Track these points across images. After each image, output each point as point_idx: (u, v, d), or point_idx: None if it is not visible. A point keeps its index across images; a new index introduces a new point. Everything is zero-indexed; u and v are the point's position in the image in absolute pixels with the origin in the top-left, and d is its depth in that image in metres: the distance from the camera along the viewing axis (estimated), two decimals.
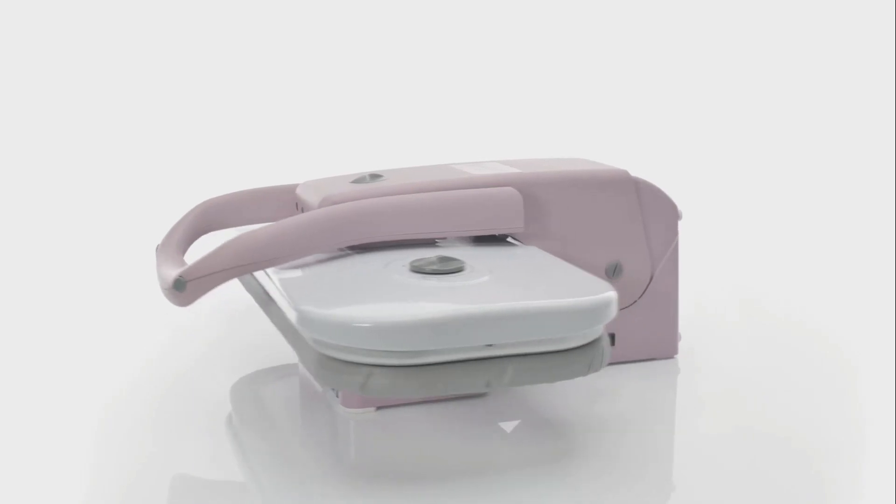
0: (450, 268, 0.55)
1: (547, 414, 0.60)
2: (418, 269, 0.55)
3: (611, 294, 0.53)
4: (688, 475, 0.53)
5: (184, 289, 0.55)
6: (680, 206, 0.67)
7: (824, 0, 1.28)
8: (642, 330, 0.67)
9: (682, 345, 0.68)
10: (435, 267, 0.55)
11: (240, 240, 0.57)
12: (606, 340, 0.54)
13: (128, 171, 1.25)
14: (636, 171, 0.67)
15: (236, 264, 0.56)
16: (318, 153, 1.21)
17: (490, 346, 0.50)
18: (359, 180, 0.64)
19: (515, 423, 0.59)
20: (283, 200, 0.69)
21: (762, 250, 0.99)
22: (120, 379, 0.66)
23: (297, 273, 0.57)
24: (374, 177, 0.64)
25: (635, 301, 0.66)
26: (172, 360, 0.69)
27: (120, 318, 0.80)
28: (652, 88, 1.30)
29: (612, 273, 0.65)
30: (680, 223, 0.67)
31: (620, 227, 0.65)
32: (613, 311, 0.53)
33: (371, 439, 0.57)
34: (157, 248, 0.64)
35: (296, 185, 0.68)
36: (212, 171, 1.19)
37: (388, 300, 0.52)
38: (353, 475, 0.53)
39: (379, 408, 0.60)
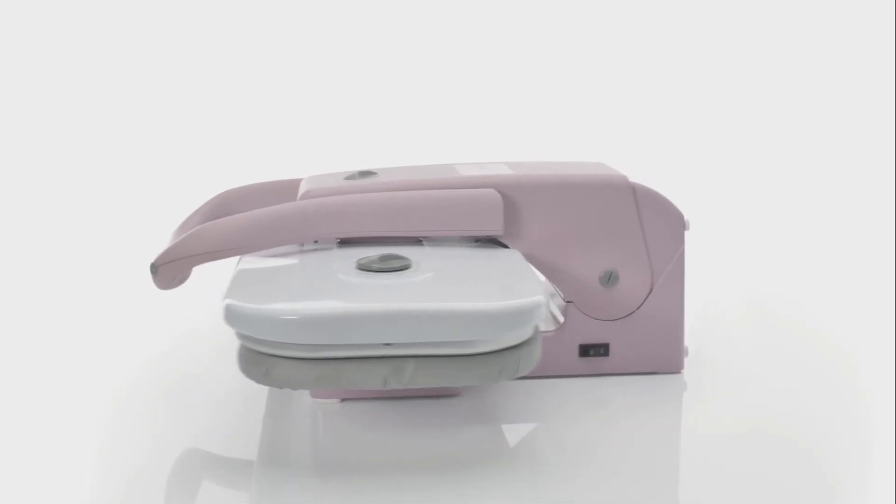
0: (393, 266, 0.56)
1: (517, 416, 0.59)
2: (364, 267, 0.56)
3: (529, 302, 0.52)
4: (692, 480, 0.53)
5: (156, 272, 0.58)
6: (687, 216, 0.65)
7: (826, 1, 1.26)
8: (642, 342, 0.64)
9: (690, 350, 0.66)
10: (379, 265, 0.56)
11: (206, 228, 0.59)
12: (533, 348, 0.53)
13: (134, 171, 1.26)
14: (650, 176, 0.65)
15: (203, 251, 0.59)
16: (345, 150, 1.21)
17: (389, 344, 0.50)
18: (350, 177, 0.65)
19: (481, 424, 0.59)
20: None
21: (770, 255, 0.98)
22: (120, 378, 0.67)
23: (258, 265, 0.58)
24: (365, 174, 0.65)
25: (633, 312, 0.64)
26: (172, 359, 0.70)
27: (120, 317, 0.80)
28: (665, 93, 1.30)
29: (607, 281, 0.63)
30: (687, 233, 0.65)
31: (616, 234, 0.63)
32: (528, 321, 0.52)
33: (330, 429, 0.58)
34: (172, 235, 0.67)
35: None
36: (230, 169, 1.16)
37: (309, 296, 0.53)
38: (309, 461, 0.54)
39: (343, 400, 0.61)
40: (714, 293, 0.84)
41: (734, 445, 0.56)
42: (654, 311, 0.64)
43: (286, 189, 0.70)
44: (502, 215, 0.61)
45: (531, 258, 0.63)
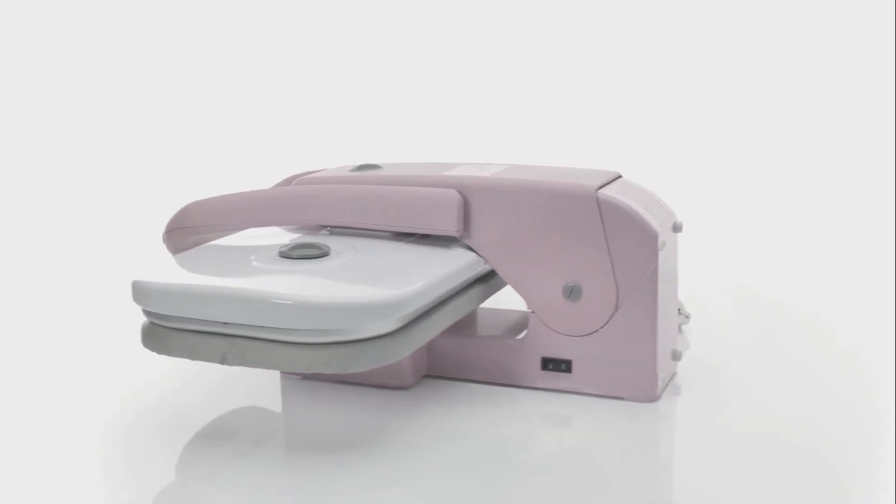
0: (308, 254, 0.58)
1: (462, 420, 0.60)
2: (283, 254, 0.59)
3: (363, 302, 0.52)
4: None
5: (164, 240, 0.66)
6: (680, 217, 0.60)
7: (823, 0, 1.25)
8: (608, 364, 0.61)
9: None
10: (295, 252, 0.58)
11: (192, 205, 0.65)
12: (375, 345, 0.53)
13: (142, 170, 1.25)
14: (653, 173, 0.63)
15: (190, 225, 0.65)
16: (386, 147, 1.20)
17: (226, 324, 0.53)
18: (355, 168, 0.67)
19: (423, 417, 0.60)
20: None
21: (769, 254, 0.97)
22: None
23: (218, 243, 0.63)
24: (368, 167, 0.67)
25: (597, 330, 0.60)
26: None
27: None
28: (672, 95, 1.29)
29: (570, 294, 0.60)
30: (680, 235, 0.60)
31: (579, 246, 0.60)
32: (357, 319, 0.52)
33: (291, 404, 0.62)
34: None
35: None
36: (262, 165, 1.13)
37: (194, 275, 0.57)
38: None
39: (303, 377, 0.64)
40: (714, 293, 0.83)
41: (732, 444, 0.56)
42: (621, 333, 0.60)
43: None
44: (457, 216, 0.61)
45: (495, 263, 0.62)
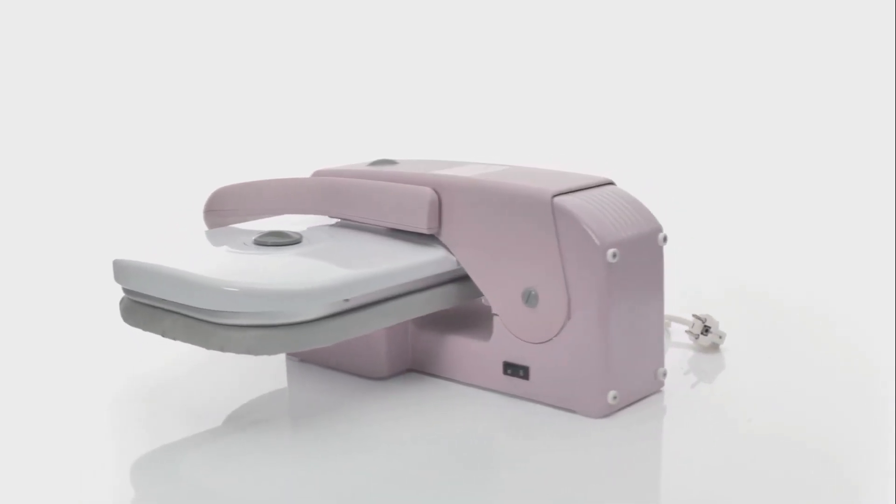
0: (280, 241, 0.61)
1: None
2: (258, 241, 0.62)
3: (254, 287, 0.55)
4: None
5: (204, 219, 0.71)
6: (666, 230, 0.59)
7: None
8: (561, 375, 0.59)
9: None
10: (268, 240, 0.61)
11: (220, 191, 0.70)
12: (271, 332, 0.55)
13: (149, 169, 1.25)
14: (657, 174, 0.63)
15: (221, 207, 0.69)
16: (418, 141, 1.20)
17: (163, 300, 0.58)
18: (369, 164, 0.69)
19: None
20: None
21: (764, 251, 0.97)
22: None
23: (231, 227, 0.67)
24: (378, 162, 0.69)
25: (551, 339, 0.59)
26: None
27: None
28: (677, 96, 1.30)
29: (527, 300, 0.59)
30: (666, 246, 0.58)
31: (536, 252, 0.59)
32: (245, 304, 0.55)
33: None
34: None
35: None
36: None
37: (171, 255, 0.61)
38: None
39: (301, 360, 0.67)
40: (714, 292, 0.82)
41: (723, 446, 0.56)
42: (573, 344, 0.58)
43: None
44: (427, 214, 0.61)
45: (464, 263, 0.62)
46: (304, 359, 0.67)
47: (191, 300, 0.56)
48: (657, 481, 0.53)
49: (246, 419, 0.60)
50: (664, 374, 0.61)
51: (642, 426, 0.58)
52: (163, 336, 0.58)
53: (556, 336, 0.59)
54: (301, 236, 0.62)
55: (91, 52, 1.34)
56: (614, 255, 0.57)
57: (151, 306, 0.59)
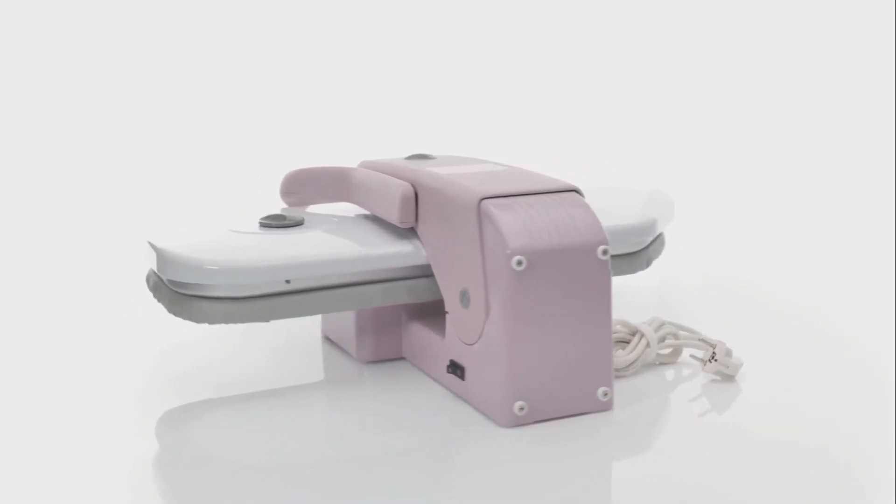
0: (282, 223, 0.66)
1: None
2: (262, 223, 0.67)
3: (209, 265, 0.60)
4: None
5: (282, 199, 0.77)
6: (607, 245, 0.58)
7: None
8: (481, 378, 0.59)
9: None
10: (270, 222, 0.66)
11: (290, 172, 0.75)
12: (215, 303, 0.60)
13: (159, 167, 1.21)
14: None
15: (287, 191, 0.75)
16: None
17: (157, 273, 0.64)
18: (407, 157, 0.71)
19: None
20: None
21: (765, 248, 0.97)
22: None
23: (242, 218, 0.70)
24: (414, 157, 0.70)
25: (475, 342, 0.58)
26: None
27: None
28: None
29: (462, 300, 0.59)
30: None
31: (467, 254, 0.59)
32: (195, 276, 0.60)
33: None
34: None
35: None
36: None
37: (183, 235, 0.65)
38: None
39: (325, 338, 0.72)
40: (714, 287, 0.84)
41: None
42: (489, 349, 0.57)
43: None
44: (399, 208, 0.63)
45: (429, 257, 0.63)
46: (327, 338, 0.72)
47: (164, 273, 0.62)
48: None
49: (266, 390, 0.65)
50: (605, 395, 0.58)
51: (558, 442, 0.56)
52: (158, 301, 0.65)
53: (479, 339, 0.58)
54: (303, 220, 0.67)
55: (142, 38, 1.33)
56: (519, 263, 0.56)
57: (157, 279, 0.66)
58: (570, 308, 0.57)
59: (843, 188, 1.14)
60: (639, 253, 0.71)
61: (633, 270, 0.70)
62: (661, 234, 0.74)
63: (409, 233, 0.64)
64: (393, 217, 0.64)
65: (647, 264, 0.71)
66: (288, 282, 0.61)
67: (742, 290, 0.84)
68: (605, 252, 0.57)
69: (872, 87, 1.23)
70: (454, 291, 0.60)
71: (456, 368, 0.61)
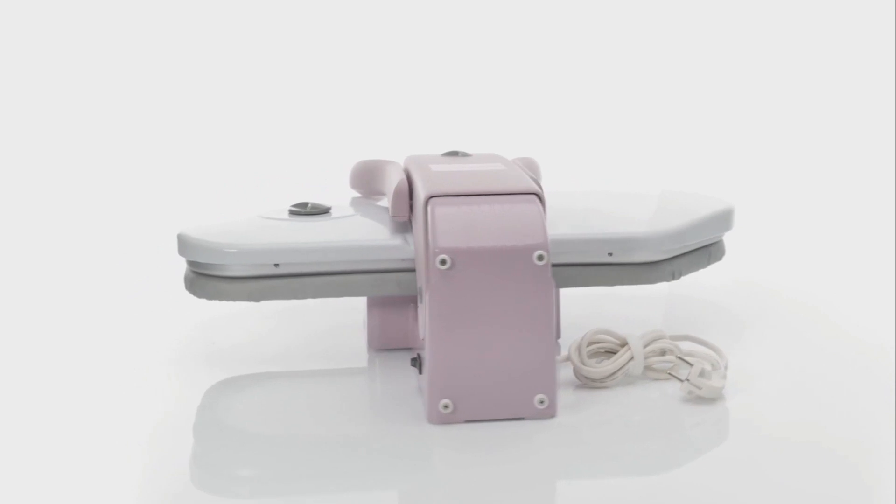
0: (310, 211, 0.70)
1: None
2: (291, 211, 0.71)
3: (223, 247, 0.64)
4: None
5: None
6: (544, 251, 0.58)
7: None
8: (424, 374, 0.60)
9: None
10: (298, 210, 0.70)
11: (355, 164, 0.78)
12: (208, 280, 0.65)
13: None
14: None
15: (351, 184, 0.78)
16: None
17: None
18: (445, 153, 0.72)
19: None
20: None
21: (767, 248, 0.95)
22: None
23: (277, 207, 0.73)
24: (450, 153, 0.71)
25: (423, 337, 0.59)
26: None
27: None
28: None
29: (419, 295, 0.61)
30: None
31: (420, 250, 0.60)
32: (195, 255, 0.65)
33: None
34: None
35: None
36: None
37: (239, 226, 0.69)
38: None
39: None
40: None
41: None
42: (425, 346, 0.58)
43: None
44: (394, 202, 0.65)
45: (415, 251, 0.64)
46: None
47: (185, 254, 0.68)
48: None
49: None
50: (542, 402, 0.57)
51: (478, 445, 0.56)
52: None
53: (425, 335, 0.59)
54: (329, 209, 0.70)
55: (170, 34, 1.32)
56: (443, 262, 0.56)
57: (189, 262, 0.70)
58: (503, 311, 0.57)
59: (843, 188, 1.12)
60: (659, 263, 0.67)
61: (650, 281, 0.67)
62: (703, 247, 0.70)
63: (407, 226, 0.66)
64: (390, 211, 0.66)
65: (673, 276, 0.68)
66: (276, 265, 0.65)
67: (742, 290, 0.81)
68: (540, 258, 0.56)
69: (874, 87, 1.22)
70: (419, 287, 0.62)
71: (415, 362, 0.62)
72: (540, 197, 0.59)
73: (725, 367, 0.62)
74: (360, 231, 0.67)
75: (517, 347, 0.57)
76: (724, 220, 0.72)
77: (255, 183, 1.08)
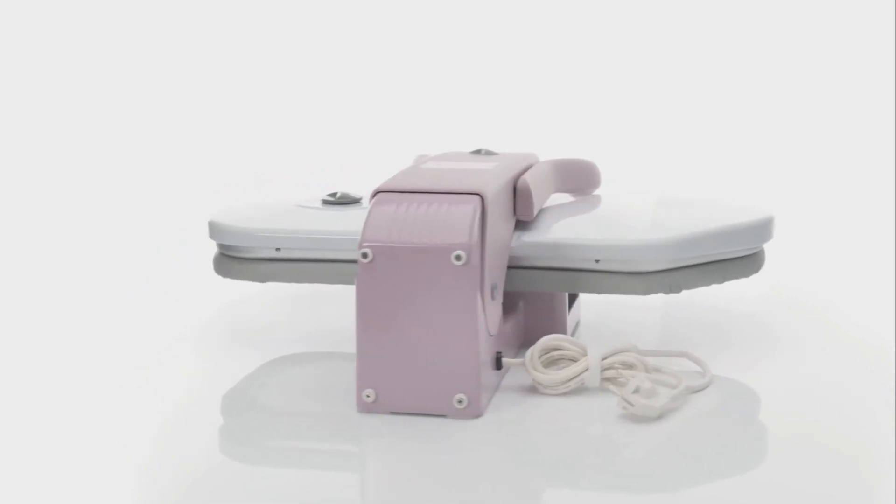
0: (342, 200, 0.73)
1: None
2: (325, 200, 0.74)
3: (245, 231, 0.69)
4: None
5: None
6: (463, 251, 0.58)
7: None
8: None
9: None
10: (330, 199, 0.73)
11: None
12: (229, 261, 0.70)
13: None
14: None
15: None
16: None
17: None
18: (472, 151, 0.73)
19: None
20: None
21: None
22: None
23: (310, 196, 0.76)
24: (476, 151, 0.72)
25: None
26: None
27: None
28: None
29: None
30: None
31: None
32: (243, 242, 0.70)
33: None
34: None
35: None
36: None
37: (263, 212, 0.73)
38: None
39: None
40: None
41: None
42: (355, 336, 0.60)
43: None
44: None
45: None
46: None
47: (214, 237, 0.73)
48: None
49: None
50: (461, 402, 0.58)
51: (395, 435, 0.58)
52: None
53: None
54: (360, 199, 0.73)
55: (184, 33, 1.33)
56: (364, 256, 0.58)
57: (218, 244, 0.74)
58: (424, 310, 0.57)
59: (843, 188, 1.11)
60: (651, 274, 0.64)
61: (639, 291, 0.64)
62: (717, 262, 0.66)
63: None
64: None
65: (671, 289, 0.65)
66: (278, 249, 0.69)
67: (742, 290, 0.76)
68: (458, 258, 0.57)
69: (876, 89, 1.20)
70: None
71: None
72: (484, 198, 0.59)
73: (685, 389, 0.59)
74: None
75: (438, 346, 0.58)
76: (741, 234, 0.67)
77: (304, 174, 1.09)
